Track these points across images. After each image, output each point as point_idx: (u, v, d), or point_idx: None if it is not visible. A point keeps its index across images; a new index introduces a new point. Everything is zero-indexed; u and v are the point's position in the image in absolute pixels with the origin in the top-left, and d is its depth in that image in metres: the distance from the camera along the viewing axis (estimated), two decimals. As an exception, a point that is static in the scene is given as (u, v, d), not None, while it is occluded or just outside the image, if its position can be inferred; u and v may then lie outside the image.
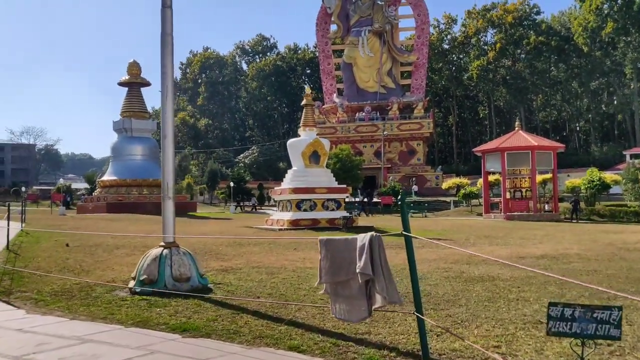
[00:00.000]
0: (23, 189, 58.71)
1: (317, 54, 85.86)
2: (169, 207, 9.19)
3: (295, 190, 23.86)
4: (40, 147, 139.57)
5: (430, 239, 18.97)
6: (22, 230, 20.73)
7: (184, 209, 42.83)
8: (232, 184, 56.50)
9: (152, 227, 24.54)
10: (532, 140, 35.36)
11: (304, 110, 25.30)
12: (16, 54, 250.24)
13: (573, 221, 33.38)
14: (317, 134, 25.69)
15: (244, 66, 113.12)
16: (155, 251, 8.81)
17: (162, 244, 8.98)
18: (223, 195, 60.80)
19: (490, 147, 36.85)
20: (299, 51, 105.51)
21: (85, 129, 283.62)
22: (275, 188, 25.87)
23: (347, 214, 24.26)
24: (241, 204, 57.14)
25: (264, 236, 20.00)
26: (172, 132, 9.16)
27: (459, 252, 14.52)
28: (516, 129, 37.19)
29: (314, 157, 24.69)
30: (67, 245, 15.74)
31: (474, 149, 40.43)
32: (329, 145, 25.41)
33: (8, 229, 15.10)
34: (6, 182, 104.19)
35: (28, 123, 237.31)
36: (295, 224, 23.03)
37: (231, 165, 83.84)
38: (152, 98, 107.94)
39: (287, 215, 23.76)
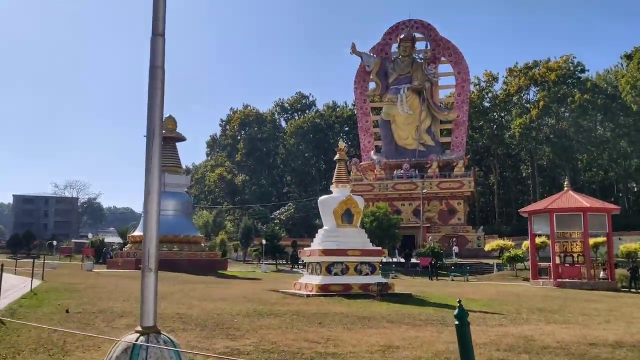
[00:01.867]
0: (54, 242, 58.23)
1: (356, 112, 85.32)
2: (149, 282, 7.22)
3: (325, 252, 21.98)
4: (83, 200, 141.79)
5: (477, 311, 16.70)
6: (30, 290, 19.23)
7: (213, 267, 42.44)
8: (264, 241, 54.93)
9: (173, 289, 22.90)
10: (584, 201, 32.80)
11: (337, 165, 23.72)
12: (61, 106, 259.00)
13: (632, 290, 30.38)
14: (352, 192, 23.96)
15: (283, 123, 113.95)
16: (129, 338, 6.91)
17: (139, 328, 7.08)
18: (256, 252, 59.24)
19: (538, 208, 34.39)
20: (337, 109, 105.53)
21: (127, 183, 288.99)
22: (305, 249, 24.07)
23: (382, 280, 22.14)
24: (276, 261, 55.71)
25: (289, 303, 18.00)
26: (158, 187, 7.24)
27: (513, 332, 12.25)
28: (565, 189, 34.74)
29: (346, 215, 22.90)
30: (67, 311, 14.06)
31: (520, 210, 37.96)
32: (363, 203, 23.63)
33: None
34: (48, 235, 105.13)
35: (72, 177, 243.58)
36: (324, 290, 21.01)
37: (267, 222, 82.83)
38: (187, 153, 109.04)
39: (316, 280, 21.80)
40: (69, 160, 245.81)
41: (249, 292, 22.72)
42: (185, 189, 49.34)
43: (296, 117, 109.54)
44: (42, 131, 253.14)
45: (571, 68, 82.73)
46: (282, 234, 67.82)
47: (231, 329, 12.05)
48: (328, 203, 23.31)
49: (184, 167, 53.57)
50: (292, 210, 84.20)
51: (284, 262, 59.22)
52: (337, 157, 23.69)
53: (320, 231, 23.78)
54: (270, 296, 20.82)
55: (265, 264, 53.65)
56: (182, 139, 46.46)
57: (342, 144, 24.11)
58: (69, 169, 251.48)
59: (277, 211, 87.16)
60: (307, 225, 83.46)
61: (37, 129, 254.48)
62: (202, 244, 47.91)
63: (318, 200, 24.17)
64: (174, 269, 37.26)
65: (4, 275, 13.90)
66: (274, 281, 32.12)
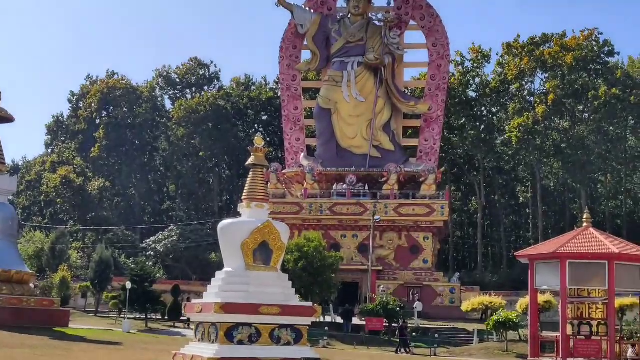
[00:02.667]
0: None
1: (280, 93, 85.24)
2: None
3: (227, 308, 21.26)
4: None
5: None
6: None
7: (48, 321, 41.26)
8: (129, 283, 53.81)
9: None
10: (610, 244, 33.52)
11: (251, 173, 23.22)
12: None
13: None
14: (270, 214, 23.47)
15: (168, 103, 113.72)
16: None
17: None
18: (115, 301, 58.08)
19: (544, 252, 34.87)
20: (252, 87, 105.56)
21: None
22: (194, 301, 23.35)
23: (312, 356, 21.71)
24: (147, 316, 55.40)
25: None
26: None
27: None
28: (584, 225, 35.44)
29: (262, 252, 22.40)
30: None
31: (517, 253, 38.46)
32: (288, 232, 23.23)
33: None
34: None
35: None
36: (222, 366, 20.35)
37: (135, 254, 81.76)
38: (15, 141, 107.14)
39: (210, 350, 21.08)
40: None
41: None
42: (10, 197, 47.98)
43: (188, 96, 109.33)
44: None
45: (595, 49, 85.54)
46: (158, 274, 66.49)
47: None
48: (234, 232, 22.69)
49: (7, 163, 51.68)
50: (176, 238, 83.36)
51: (159, 318, 58.32)
52: (251, 160, 23.14)
53: (219, 274, 23.16)
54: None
55: (130, 318, 52.31)
56: (7, 118, 44.88)
57: (259, 140, 23.58)
58: None
59: (152, 237, 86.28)
60: (198, 262, 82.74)
61: None
62: (32, 285, 46.65)
63: (219, 227, 23.53)
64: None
65: None
66: (141, 349, 31.47)
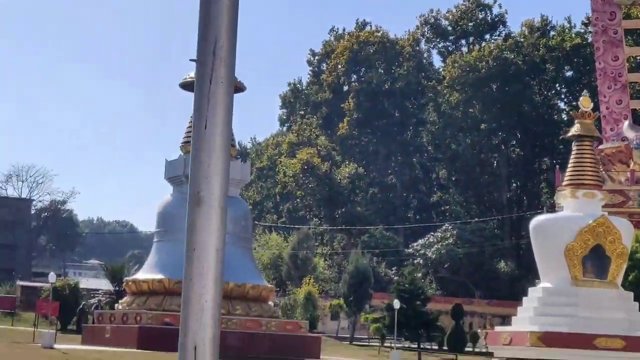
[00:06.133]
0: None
1: (592, 38, 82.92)
2: None
3: (546, 339, 20.57)
4: (42, 204, 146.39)
5: None
6: None
7: (293, 352, 42.44)
8: (397, 302, 53.93)
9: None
10: None
11: (575, 149, 22.21)
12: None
13: None
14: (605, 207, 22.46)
15: (436, 60, 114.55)
16: None
17: None
18: (377, 325, 58.70)
19: None
20: (552, 33, 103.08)
21: (123, 176, 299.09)
22: (497, 329, 22.69)
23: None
24: (420, 344, 56.09)
25: None
26: (222, 189, 5.87)
27: None
28: None
29: (594, 260, 21.50)
30: None
31: None
32: (632, 233, 22.25)
33: None
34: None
35: (20, 160, 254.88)
36: None
37: (399, 262, 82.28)
38: (244, 119, 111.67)
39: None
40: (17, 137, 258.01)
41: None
42: (240, 189, 49.65)
43: (464, 49, 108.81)
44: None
45: None
46: (431, 289, 66.61)
47: None
48: (553, 232, 22.02)
49: (237, 146, 53.50)
50: (452, 241, 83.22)
51: (436, 348, 58.36)
52: (574, 129, 22.38)
53: (533, 292, 22.67)
54: None
55: (399, 348, 52.42)
56: (238, 88, 46.29)
57: (586, 101, 22.73)
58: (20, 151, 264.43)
59: (420, 240, 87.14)
60: (482, 273, 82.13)
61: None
62: (271, 303, 47.84)
63: (531, 225, 23.00)
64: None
65: None
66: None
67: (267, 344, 41.72)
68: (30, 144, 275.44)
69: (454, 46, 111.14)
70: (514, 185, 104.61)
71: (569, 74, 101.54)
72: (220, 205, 5.61)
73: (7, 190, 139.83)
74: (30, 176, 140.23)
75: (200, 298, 5.55)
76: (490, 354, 26.47)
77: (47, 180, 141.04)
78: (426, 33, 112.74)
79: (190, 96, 47.31)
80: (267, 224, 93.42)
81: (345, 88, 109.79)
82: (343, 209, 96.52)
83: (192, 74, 42.05)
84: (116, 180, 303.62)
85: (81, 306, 60.22)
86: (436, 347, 59.12)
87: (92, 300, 61.42)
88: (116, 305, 49.85)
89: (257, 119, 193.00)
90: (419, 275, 72.47)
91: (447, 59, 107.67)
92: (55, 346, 39.26)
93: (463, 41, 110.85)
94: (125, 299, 47.86)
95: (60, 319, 55.06)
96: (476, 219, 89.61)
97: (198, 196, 5.77)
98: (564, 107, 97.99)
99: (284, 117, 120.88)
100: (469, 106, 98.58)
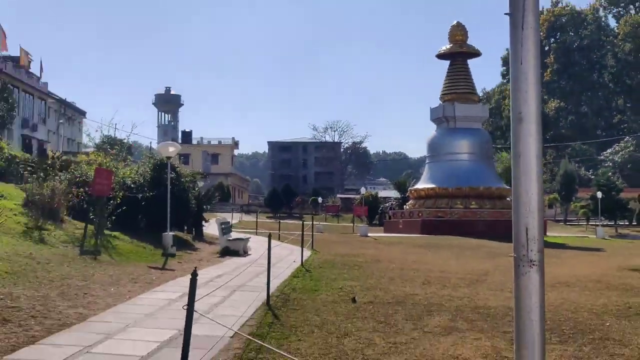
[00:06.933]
0: (320, 199, 61.98)
1: None
2: (532, 286, 5.18)
3: None
4: (346, 145, 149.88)
5: None
6: (301, 265, 19.31)
7: None
8: (599, 193, 50.80)
9: (484, 265, 21.42)
10: None
11: None
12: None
13: None
14: None
15: (612, 22, 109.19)
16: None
17: None
18: (584, 210, 56.16)
19: None
20: None
21: (398, 120, 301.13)
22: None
23: None
24: (616, 223, 54.41)
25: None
26: (537, 108, 5.23)
27: None
28: None
29: None
30: (354, 300, 13.21)
31: None
32: None
33: (268, 274, 13.07)
34: (308, 188, 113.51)
35: (332, 117, 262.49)
36: None
37: (593, 166, 79.62)
38: (482, 75, 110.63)
39: None
40: (330, 97, 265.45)
41: (595, 271, 20.09)
42: (482, 124, 48.82)
43: (631, 12, 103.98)
44: (295, 67, 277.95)
45: None
46: (619, 183, 63.43)
47: (609, 341, 9.79)
48: None
49: (478, 93, 52.53)
50: (632, 148, 79.54)
51: (627, 224, 55.43)
52: None
53: None
54: (630, 279, 17.93)
55: (602, 225, 49.72)
56: (475, 53, 45.25)
57: None
58: (329, 108, 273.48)
59: (608, 150, 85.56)
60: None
61: (287, 64, 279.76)
62: (508, 199, 46.79)
63: None
64: (466, 232, 37.87)
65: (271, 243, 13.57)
66: (623, 254, 28.91)
67: (506, 227, 40.87)
68: (339, 105, 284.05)
69: (624, 10, 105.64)
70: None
71: None
72: (536, 122, 4.95)
73: (325, 138, 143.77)
74: (339, 127, 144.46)
75: (527, 192, 4.95)
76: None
77: (349, 129, 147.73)
78: (603, 2, 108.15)
79: (444, 64, 46.66)
80: (498, 146, 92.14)
81: (547, 48, 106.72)
82: (552, 132, 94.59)
83: (444, 48, 40.88)
84: (397, 123, 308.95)
85: (380, 208, 61.03)
86: (627, 223, 55.93)
87: (387, 204, 62.16)
88: (404, 206, 50.19)
89: (485, 73, 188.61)
90: (609, 174, 69.07)
91: (619, 20, 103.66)
92: (369, 234, 39.94)
93: (631, 5, 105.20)
94: (410, 202, 48.22)
95: (368, 217, 56.19)
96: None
97: (519, 115, 5.15)
98: None
99: (504, 73, 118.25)
100: (639, 52, 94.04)
